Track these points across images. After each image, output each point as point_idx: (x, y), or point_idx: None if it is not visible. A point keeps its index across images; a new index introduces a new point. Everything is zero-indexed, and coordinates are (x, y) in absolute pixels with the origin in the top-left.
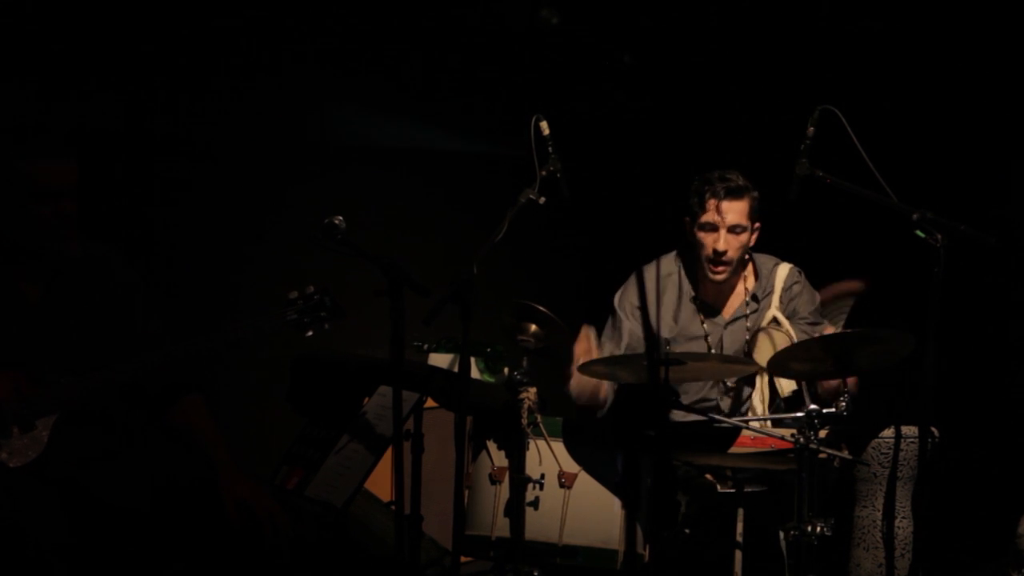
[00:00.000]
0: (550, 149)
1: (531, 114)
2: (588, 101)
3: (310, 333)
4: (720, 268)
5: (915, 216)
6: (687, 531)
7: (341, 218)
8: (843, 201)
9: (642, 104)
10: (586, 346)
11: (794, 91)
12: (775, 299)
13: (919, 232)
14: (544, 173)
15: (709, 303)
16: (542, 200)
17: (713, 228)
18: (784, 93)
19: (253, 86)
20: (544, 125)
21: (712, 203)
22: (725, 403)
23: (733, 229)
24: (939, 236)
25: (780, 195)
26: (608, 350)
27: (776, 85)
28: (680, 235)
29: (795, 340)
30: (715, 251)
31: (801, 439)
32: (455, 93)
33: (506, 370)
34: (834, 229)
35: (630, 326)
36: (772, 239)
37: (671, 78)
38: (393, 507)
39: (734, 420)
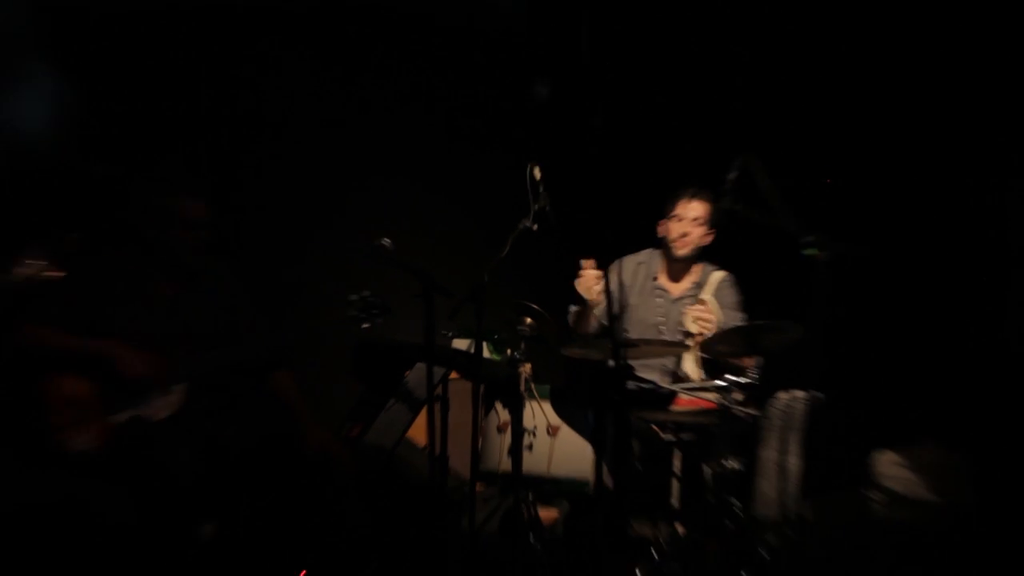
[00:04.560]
0: (541, 189)
1: (527, 162)
2: (571, 149)
3: (366, 325)
4: (683, 244)
5: (806, 238)
6: (639, 467)
7: (388, 240)
8: (756, 227)
9: (611, 153)
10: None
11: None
12: (709, 289)
13: (809, 250)
14: (536, 207)
15: (665, 287)
16: (535, 227)
17: (681, 217)
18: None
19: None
20: (536, 171)
21: (683, 201)
22: (668, 372)
23: (695, 221)
24: (823, 253)
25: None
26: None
27: (717, 130)
28: (653, 241)
29: (719, 314)
30: (682, 233)
31: (722, 400)
32: (476, 150)
33: (509, 351)
34: (751, 246)
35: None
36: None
37: (635, 133)
38: (427, 450)
39: (673, 386)
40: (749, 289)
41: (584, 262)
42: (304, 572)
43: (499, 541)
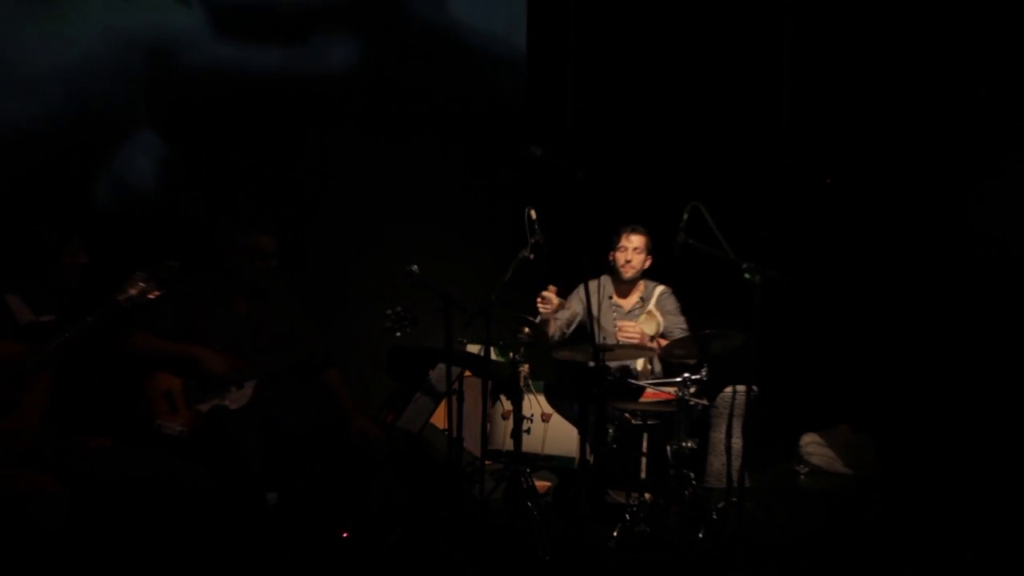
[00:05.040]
0: (536, 227)
1: (525, 206)
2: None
3: (398, 334)
4: (628, 268)
5: (744, 265)
6: (614, 446)
7: (416, 267)
8: (707, 256)
9: (589, 200)
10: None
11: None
12: (653, 302)
13: (746, 275)
14: (532, 241)
15: (619, 303)
16: (531, 256)
17: (624, 248)
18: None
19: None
20: (532, 213)
21: (624, 235)
22: (640, 371)
23: (636, 249)
24: (757, 277)
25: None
26: (567, 310)
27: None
28: (608, 267)
29: (660, 320)
30: (626, 260)
31: (680, 393)
32: (485, 196)
33: (511, 354)
34: (703, 272)
35: (574, 306)
36: (663, 273)
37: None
38: (446, 432)
39: (641, 382)
40: (701, 305)
41: (549, 287)
42: (345, 533)
43: (503, 507)
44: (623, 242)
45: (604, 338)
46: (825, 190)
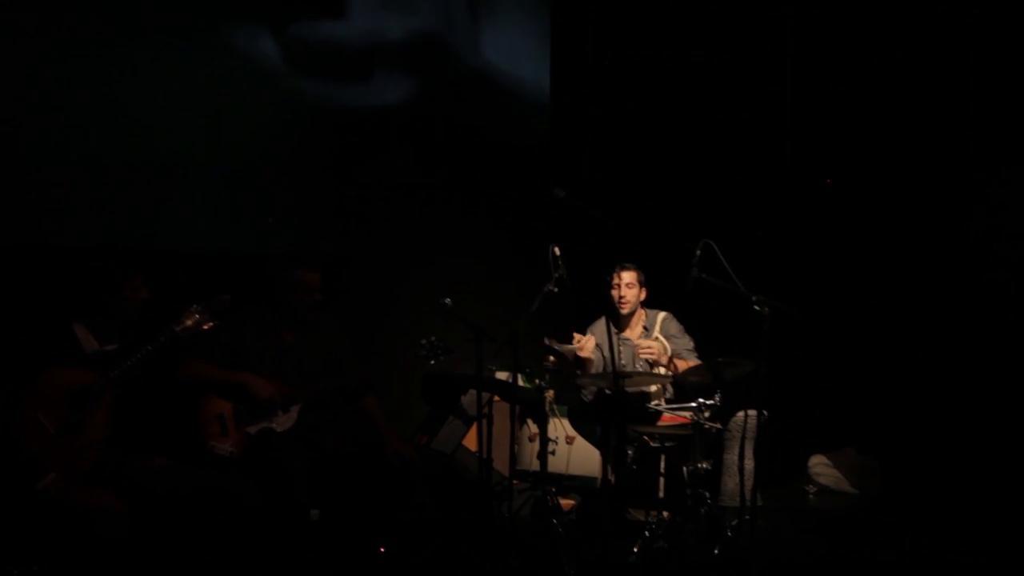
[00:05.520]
0: (559, 263)
1: (549, 244)
2: (579, 235)
3: (432, 362)
4: (624, 304)
5: (754, 298)
6: (634, 467)
7: (449, 299)
8: (718, 289)
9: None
10: (584, 343)
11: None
12: (657, 328)
13: (756, 307)
14: (556, 275)
15: (624, 335)
16: (556, 290)
17: (617, 285)
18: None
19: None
20: (556, 250)
21: (616, 273)
22: (656, 395)
23: (628, 285)
24: (766, 309)
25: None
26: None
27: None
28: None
29: (666, 345)
30: (620, 296)
31: (695, 417)
32: (512, 234)
33: (537, 381)
34: (716, 303)
35: (594, 356)
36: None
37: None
38: (477, 454)
39: (660, 407)
40: (714, 335)
41: (576, 335)
42: (383, 548)
43: (530, 523)
44: (615, 279)
45: (622, 368)
46: (828, 223)
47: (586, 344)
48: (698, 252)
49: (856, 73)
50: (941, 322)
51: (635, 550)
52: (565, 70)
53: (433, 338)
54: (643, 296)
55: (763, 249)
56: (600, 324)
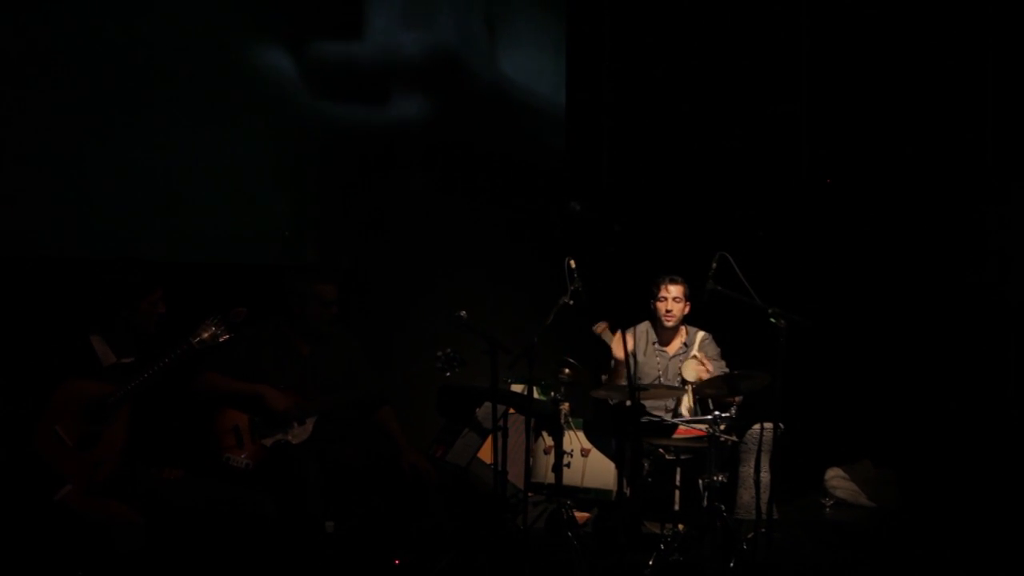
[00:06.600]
0: (575, 275)
1: (565, 257)
2: (596, 248)
3: (448, 374)
4: (669, 317)
5: (770, 311)
6: (649, 479)
7: (464, 312)
8: (733, 301)
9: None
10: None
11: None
12: (696, 346)
13: (772, 319)
14: (572, 287)
15: (662, 347)
16: (571, 303)
17: (664, 298)
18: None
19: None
20: (572, 262)
21: (664, 286)
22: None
23: (676, 299)
24: (783, 321)
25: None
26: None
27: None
28: (649, 314)
29: (707, 365)
30: (667, 310)
31: (711, 430)
32: (528, 247)
33: (552, 393)
34: (733, 316)
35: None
36: (700, 317)
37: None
38: (492, 466)
39: (675, 420)
40: (731, 347)
41: (599, 324)
42: (398, 561)
43: (545, 536)
44: (663, 292)
45: (641, 380)
46: (845, 233)
47: (615, 347)
48: (714, 264)
49: (873, 79)
50: (959, 334)
51: (650, 563)
52: (581, 83)
53: (448, 350)
54: (687, 310)
55: (780, 259)
56: (641, 331)
